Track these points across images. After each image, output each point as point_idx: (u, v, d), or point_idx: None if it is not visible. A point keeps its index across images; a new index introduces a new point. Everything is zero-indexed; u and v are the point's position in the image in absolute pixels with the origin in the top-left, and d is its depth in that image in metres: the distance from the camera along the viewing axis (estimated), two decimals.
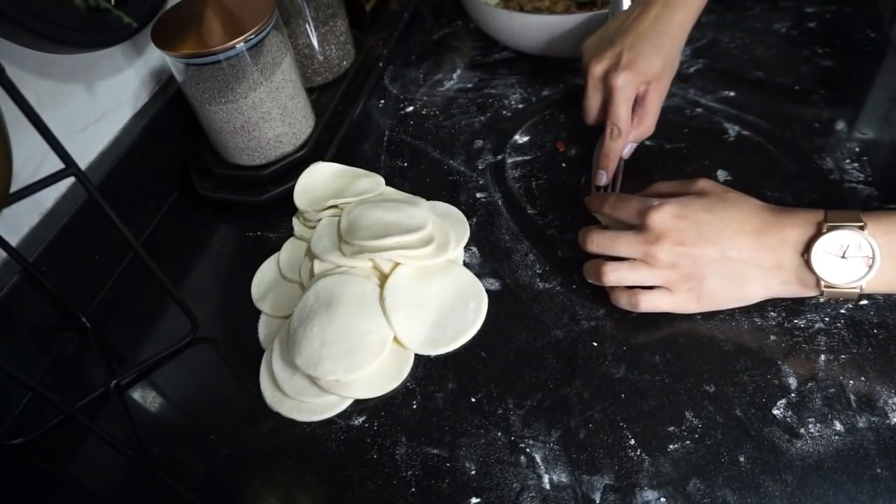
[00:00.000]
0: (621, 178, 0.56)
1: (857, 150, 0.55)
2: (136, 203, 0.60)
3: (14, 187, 0.35)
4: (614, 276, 0.45)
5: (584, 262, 0.48)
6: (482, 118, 0.66)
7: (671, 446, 0.40)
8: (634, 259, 0.44)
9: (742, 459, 0.39)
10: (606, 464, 0.40)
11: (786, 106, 0.61)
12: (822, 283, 0.40)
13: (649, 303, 0.44)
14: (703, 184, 0.46)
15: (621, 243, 0.44)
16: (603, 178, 0.55)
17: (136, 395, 0.49)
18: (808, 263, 0.40)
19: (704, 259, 0.42)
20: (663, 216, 0.42)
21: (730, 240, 0.42)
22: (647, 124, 0.55)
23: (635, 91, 0.53)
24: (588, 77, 0.55)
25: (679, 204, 0.43)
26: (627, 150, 0.56)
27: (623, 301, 0.45)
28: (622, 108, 0.53)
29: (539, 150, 0.62)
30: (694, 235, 0.42)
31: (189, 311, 0.49)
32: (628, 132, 0.54)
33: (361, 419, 0.44)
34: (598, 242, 0.45)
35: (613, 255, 0.45)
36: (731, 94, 0.63)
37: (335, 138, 0.63)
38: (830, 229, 0.39)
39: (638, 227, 0.44)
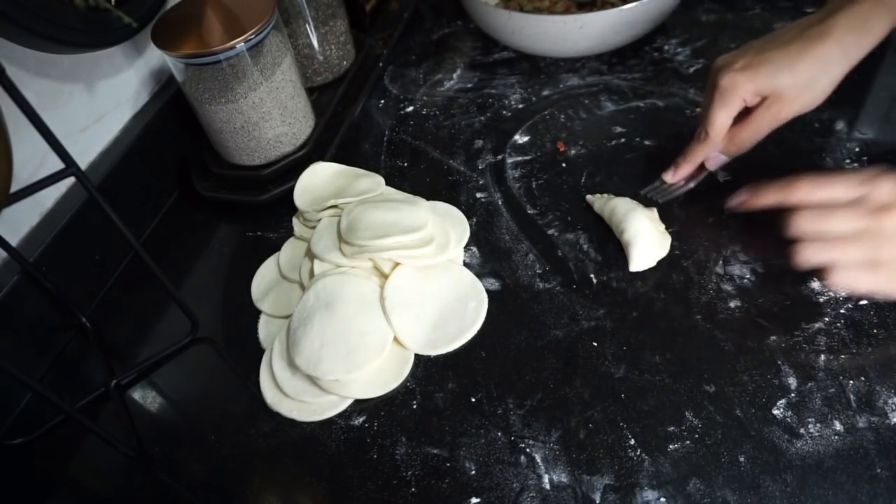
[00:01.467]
0: (692, 184, 0.53)
1: (857, 150, 0.55)
2: (136, 203, 0.60)
3: (14, 187, 0.35)
4: (813, 253, 0.40)
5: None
6: (482, 118, 0.66)
7: (671, 446, 0.40)
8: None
9: (742, 459, 0.39)
10: (606, 464, 0.40)
11: None
12: None
13: (847, 279, 0.40)
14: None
15: (837, 218, 0.39)
16: (669, 175, 0.52)
17: (136, 395, 0.49)
18: None
19: None
20: (887, 187, 0.38)
21: None
22: (741, 140, 0.49)
23: (741, 99, 0.46)
24: (710, 73, 0.49)
25: None
26: (715, 162, 0.51)
27: (837, 277, 0.40)
28: (718, 113, 0.47)
29: (539, 150, 0.62)
30: None
31: (189, 311, 0.49)
32: (717, 141, 0.48)
33: (361, 419, 0.44)
34: (807, 221, 0.40)
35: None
36: None
37: (335, 138, 0.63)
38: None
39: (854, 201, 0.39)
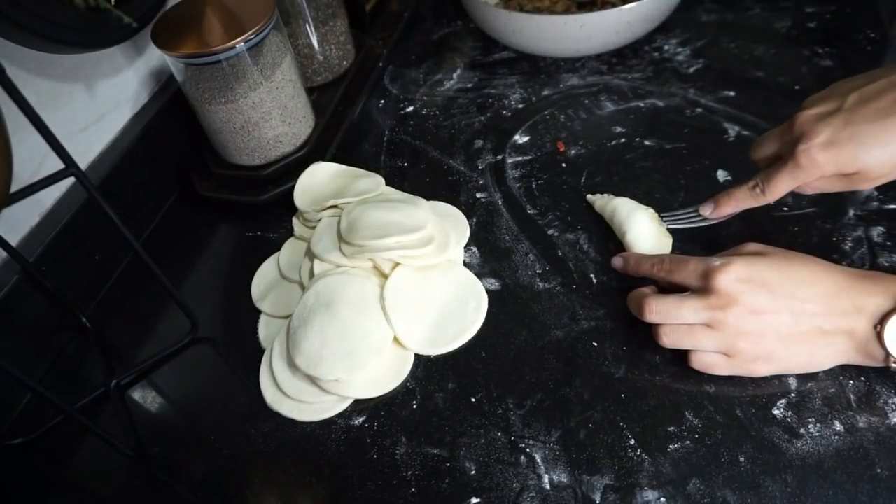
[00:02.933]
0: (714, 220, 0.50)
1: None
2: (136, 203, 0.60)
3: (14, 187, 0.35)
4: (670, 339, 0.42)
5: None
6: (482, 118, 0.66)
7: (671, 446, 0.40)
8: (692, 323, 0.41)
9: (742, 459, 0.39)
10: (606, 464, 0.40)
11: (786, 106, 0.60)
12: (892, 359, 0.38)
13: (703, 363, 0.42)
14: (752, 246, 0.42)
15: (685, 310, 0.40)
16: (707, 210, 0.49)
17: (136, 395, 0.49)
18: (879, 336, 0.37)
19: (775, 325, 0.39)
20: (729, 278, 0.39)
21: (802, 304, 0.38)
22: (800, 190, 0.44)
23: (813, 178, 0.42)
24: (796, 115, 0.43)
25: (745, 264, 0.39)
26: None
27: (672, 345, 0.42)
28: (784, 182, 0.43)
29: (539, 150, 0.62)
30: (765, 300, 0.39)
31: (189, 311, 0.49)
32: (767, 200, 0.45)
33: (361, 419, 0.44)
34: (658, 311, 0.41)
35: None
36: (731, 94, 0.63)
37: (335, 138, 0.63)
38: None
39: (700, 290, 0.40)
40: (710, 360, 0.41)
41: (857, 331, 0.38)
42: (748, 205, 0.47)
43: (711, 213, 0.49)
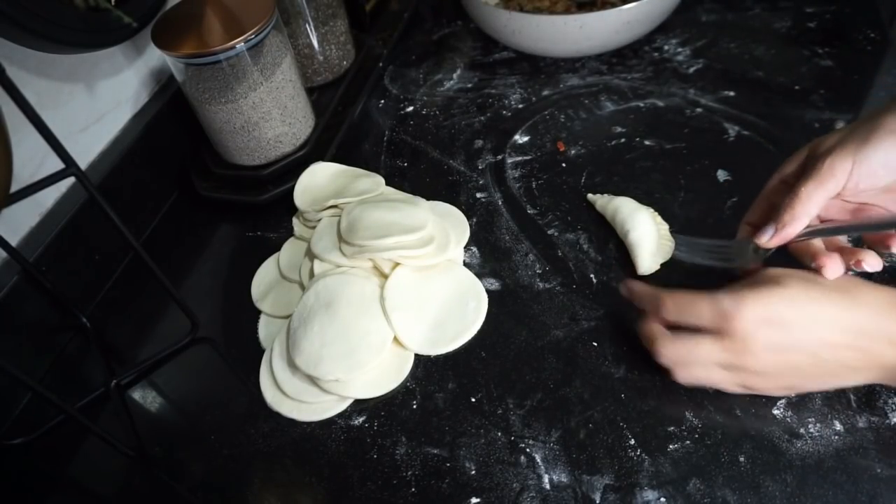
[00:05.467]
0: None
1: None
2: (136, 203, 0.60)
3: (14, 187, 0.35)
4: (684, 379, 0.39)
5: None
6: (482, 118, 0.66)
7: (671, 446, 0.40)
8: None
9: (742, 459, 0.39)
10: (606, 464, 0.40)
11: (786, 106, 0.61)
12: None
13: (716, 388, 0.40)
14: (771, 272, 0.39)
15: (700, 354, 0.38)
16: (764, 239, 0.41)
17: (136, 395, 0.49)
18: None
19: (796, 363, 0.37)
20: (745, 320, 0.36)
21: (825, 342, 0.36)
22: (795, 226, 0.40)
23: (836, 193, 0.39)
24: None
25: (761, 303, 0.36)
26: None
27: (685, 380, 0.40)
28: (814, 199, 0.39)
29: (539, 150, 0.62)
30: (785, 340, 0.36)
31: (189, 311, 0.49)
32: (797, 227, 0.40)
33: (361, 419, 0.44)
34: (670, 357, 0.39)
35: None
36: (731, 94, 0.63)
37: (335, 138, 0.63)
38: None
39: (715, 332, 0.37)
40: (726, 388, 0.40)
41: (888, 363, 0.36)
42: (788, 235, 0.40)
43: (768, 237, 0.41)
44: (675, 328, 0.40)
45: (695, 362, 0.39)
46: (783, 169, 0.44)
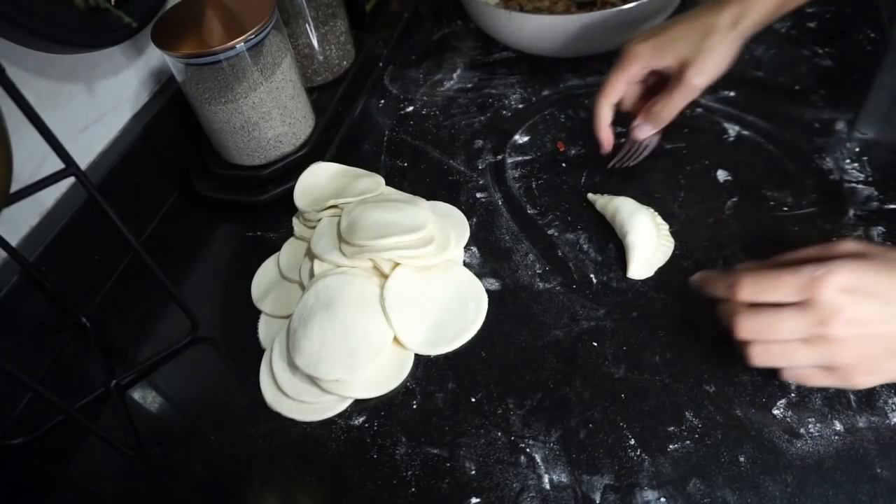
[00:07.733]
0: (634, 157, 0.57)
1: (857, 150, 0.55)
2: (136, 203, 0.60)
3: (14, 187, 0.35)
4: (762, 359, 0.37)
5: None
6: (482, 118, 0.66)
7: (671, 446, 0.40)
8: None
9: (742, 459, 0.39)
10: (606, 464, 0.40)
11: (786, 106, 0.61)
12: None
13: (796, 377, 0.38)
14: (851, 245, 0.38)
15: (784, 327, 0.36)
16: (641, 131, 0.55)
17: (136, 395, 0.49)
18: None
19: (885, 336, 0.35)
20: (834, 289, 0.35)
21: None
22: (655, 112, 0.53)
23: (637, 69, 0.52)
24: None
25: (851, 271, 0.35)
26: (640, 132, 0.55)
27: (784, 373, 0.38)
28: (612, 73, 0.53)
29: (539, 150, 0.62)
30: (874, 310, 0.35)
31: (189, 311, 0.49)
32: (604, 96, 0.53)
33: (361, 419, 0.44)
34: (751, 329, 0.37)
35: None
36: (731, 94, 0.63)
37: (335, 138, 0.63)
38: None
39: (800, 303, 0.36)
40: (806, 374, 0.38)
41: None
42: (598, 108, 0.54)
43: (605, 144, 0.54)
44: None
45: (776, 336, 0.37)
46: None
